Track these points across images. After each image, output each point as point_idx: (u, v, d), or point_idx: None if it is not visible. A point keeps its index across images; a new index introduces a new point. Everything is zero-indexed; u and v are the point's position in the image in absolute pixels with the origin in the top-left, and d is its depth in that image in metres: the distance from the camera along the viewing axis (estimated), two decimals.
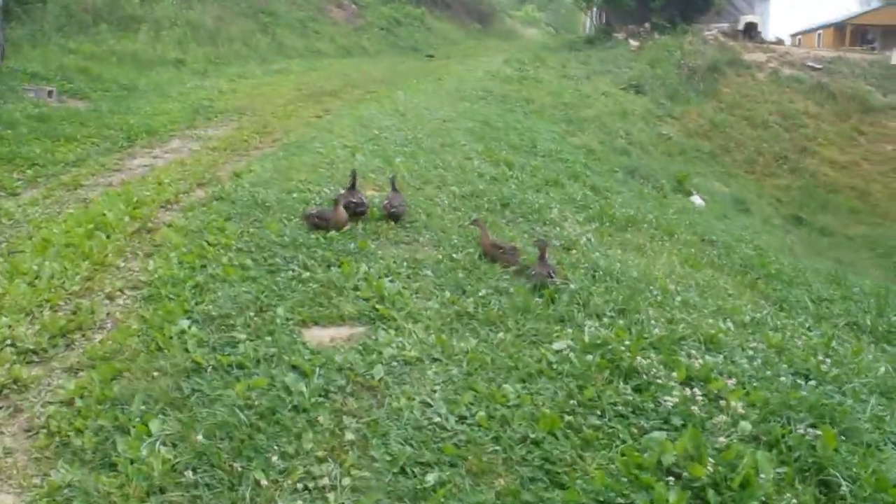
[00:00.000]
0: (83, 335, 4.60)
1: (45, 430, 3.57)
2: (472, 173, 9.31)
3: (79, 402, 3.76)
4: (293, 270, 5.42)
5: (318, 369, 4.01)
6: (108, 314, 4.89)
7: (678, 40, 24.87)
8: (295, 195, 7.30)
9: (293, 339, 4.38)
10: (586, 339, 4.70)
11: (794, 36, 47.47)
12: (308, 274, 5.32)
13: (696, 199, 14.90)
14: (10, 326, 4.57)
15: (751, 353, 4.96)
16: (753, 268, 8.90)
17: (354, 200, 6.57)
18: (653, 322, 5.30)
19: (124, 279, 5.41)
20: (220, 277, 5.27)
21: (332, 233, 6.16)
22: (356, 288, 5.17)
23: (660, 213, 10.35)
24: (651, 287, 6.29)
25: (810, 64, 25.09)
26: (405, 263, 5.76)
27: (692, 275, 7.48)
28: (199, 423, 3.53)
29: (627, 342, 4.61)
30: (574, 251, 6.89)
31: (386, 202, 6.83)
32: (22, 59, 14.96)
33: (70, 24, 17.80)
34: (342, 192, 6.77)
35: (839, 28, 46.15)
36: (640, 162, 15.15)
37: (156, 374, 3.99)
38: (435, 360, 4.30)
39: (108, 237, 6.20)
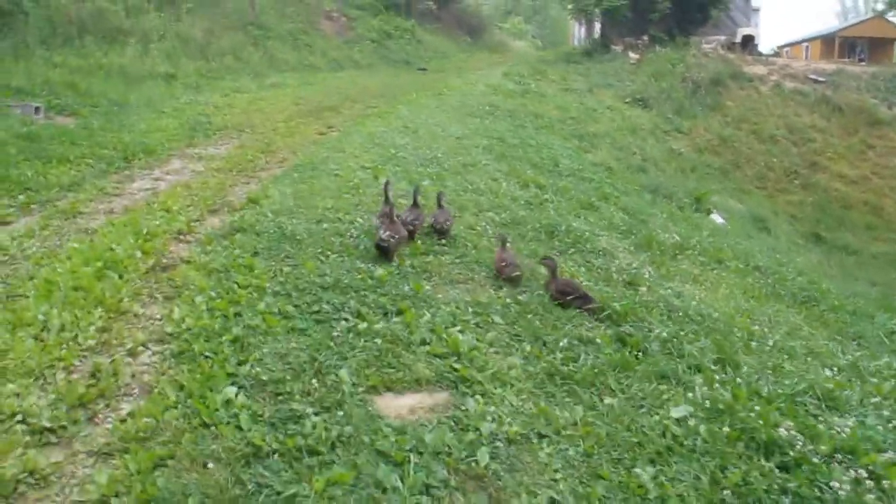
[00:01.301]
0: (107, 405, 3.81)
1: None
2: (504, 197, 8.61)
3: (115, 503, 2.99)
4: (346, 320, 4.66)
5: (410, 456, 3.25)
6: (133, 376, 4.10)
7: (681, 53, 24.38)
8: (325, 226, 6.54)
9: (368, 413, 3.62)
10: (704, 401, 4.01)
11: (781, 48, 47.51)
12: (365, 325, 4.56)
13: (717, 218, 14.30)
14: (18, 395, 3.78)
15: (885, 413, 4.27)
16: (815, 299, 8.24)
17: (413, 217, 6.33)
18: (757, 374, 4.62)
19: (146, 330, 4.63)
20: (262, 329, 4.51)
21: (380, 271, 5.40)
22: (424, 342, 4.42)
23: (700, 238, 9.69)
24: (735, 329, 5.61)
25: (813, 77, 24.71)
26: (470, 309, 5.02)
27: (761, 310, 6.81)
28: None
29: (757, 408, 3.91)
30: (641, 287, 6.18)
31: (432, 219, 6.54)
32: (5, 73, 14.05)
33: (54, 36, 16.90)
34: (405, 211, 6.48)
35: (827, 40, 46.21)
36: (659, 180, 14.53)
37: (207, 462, 3.22)
38: (543, 436, 3.56)
39: (120, 277, 5.41)
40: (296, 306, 4.85)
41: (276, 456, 3.27)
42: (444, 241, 6.40)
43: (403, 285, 5.26)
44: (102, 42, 17.93)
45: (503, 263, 5.77)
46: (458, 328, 4.63)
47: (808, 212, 17.94)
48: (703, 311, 5.88)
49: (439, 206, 6.64)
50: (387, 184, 6.50)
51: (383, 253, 5.76)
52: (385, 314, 4.78)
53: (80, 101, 13.67)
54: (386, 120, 14.18)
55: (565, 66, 26.65)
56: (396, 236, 5.79)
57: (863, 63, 36.53)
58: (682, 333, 5.14)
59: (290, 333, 4.47)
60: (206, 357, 4.18)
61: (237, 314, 4.72)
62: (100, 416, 3.72)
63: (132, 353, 4.34)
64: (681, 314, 5.63)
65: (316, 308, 4.82)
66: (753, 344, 5.29)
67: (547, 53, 37.33)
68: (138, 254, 5.93)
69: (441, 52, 34.68)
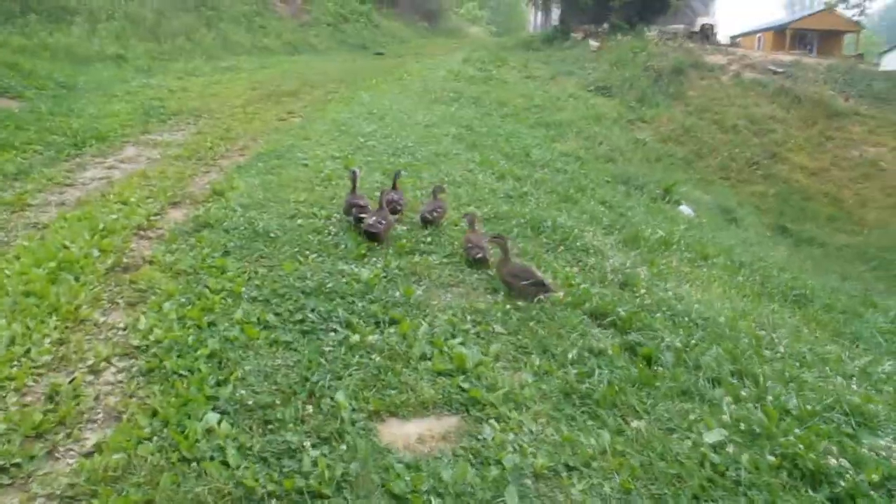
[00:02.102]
0: (68, 434, 3.30)
1: None
2: (482, 189, 8.21)
3: None
4: (335, 331, 4.20)
5: (430, 499, 2.83)
6: (96, 398, 3.59)
7: (643, 41, 24.19)
8: (300, 222, 6.05)
9: (374, 445, 3.18)
10: (737, 423, 3.66)
11: (734, 38, 47.83)
12: (357, 337, 4.11)
13: (685, 209, 14.08)
14: None
15: None
16: (806, 297, 8.01)
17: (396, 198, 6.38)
18: (779, 387, 4.30)
19: (109, 342, 4.11)
20: (241, 342, 4.03)
21: (367, 274, 4.95)
22: (425, 357, 3.99)
23: (681, 232, 9.41)
24: (741, 334, 5.31)
25: (771, 67, 24.76)
26: (469, 317, 4.60)
27: (758, 311, 6.53)
28: None
29: (796, 430, 3.58)
30: (639, 289, 5.82)
31: (424, 209, 6.45)
32: None
33: None
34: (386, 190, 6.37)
35: (780, 32, 46.70)
36: (628, 170, 14.26)
37: None
38: (572, 468, 3.17)
39: (77, 280, 4.87)
40: (277, 314, 4.38)
41: (272, 501, 2.82)
42: (429, 239, 5.98)
43: (393, 290, 4.81)
44: (47, 21, 17.04)
45: (469, 245, 5.59)
46: (460, 340, 4.21)
47: (771, 203, 17.90)
48: (705, 314, 5.56)
49: (434, 196, 6.54)
50: (354, 172, 6.39)
51: (372, 238, 5.69)
52: (377, 324, 4.34)
53: (25, 82, 12.85)
54: (349, 106, 13.68)
55: (525, 53, 26.29)
56: (384, 221, 5.74)
57: (811, 55, 36.98)
58: (692, 342, 4.79)
59: (274, 347, 4.00)
60: (181, 376, 3.70)
61: (211, 324, 4.24)
62: (60, 448, 3.22)
63: (94, 371, 3.84)
64: (685, 319, 5.30)
65: (300, 317, 4.35)
66: (766, 352, 4.96)
67: (505, 40, 36.94)
68: (96, 252, 5.39)
69: (398, 37, 34.11)
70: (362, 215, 5.94)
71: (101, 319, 4.40)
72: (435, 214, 6.36)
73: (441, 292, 4.99)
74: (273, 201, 6.64)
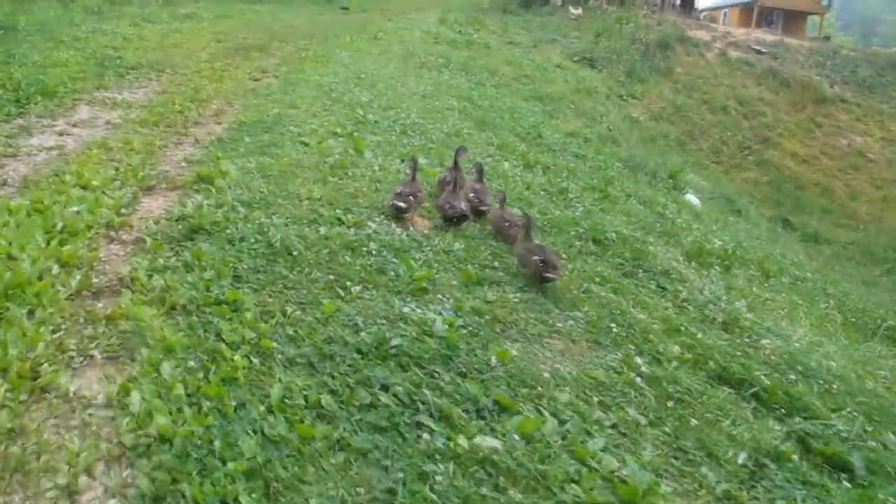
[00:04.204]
0: None
1: None
2: (516, 182, 6.94)
3: None
4: (426, 428, 2.90)
5: None
6: None
7: (630, 12, 22.97)
8: (323, 231, 4.68)
9: None
10: None
11: (700, 12, 47.04)
12: (463, 441, 2.81)
13: (692, 199, 13.01)
14: None
15: None
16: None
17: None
18: None
19: (87, 434, 2.76)
20: (290, 446, 2.71)
21: (438, 322, 3.64)
22: (569, 477, 2.72)
23: (727, 237, 8.30)
24: (891, 403, 4.19)
25: (755, 47, 23.86)
26: (595, 398, 3.34)
27: (866, 354, 5.45)
28: None
29: None
30: (740, 330, 4.67)
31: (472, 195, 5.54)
32: None
33: None
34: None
35: (746, 8, 46.07)
36: (633, 153, 13.12)
37: None
38: None
39: (31, 314, 3.48)
40: (332, 392, 3.05)
41: None
42: (491, 259, 4.71)
43: (478, 349, 3.52)
44: None
45: (506, 223, 5.14)
46: (601, 441, 2.95)
47: (766, 191, 17.06)
48: (835, 370, 4.43)
49: (479, 177, 5.77)
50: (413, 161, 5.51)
51: (453, 223, 5.17)
52: (480, 413, 3.05)
53: None
54: (329, 66, 12.18)
55: (503, 16, 24.78)
56: (464, 205, 5.23)
57: (775, 33, 36.33)
58: (858, 423, 3.65)
59: (342, 457, 2.69)
60: None
61: (240, 407, 2.90)
62: None
63: (70, 493, 2.49)
64: (826, 384, 4.15)
65: (366, 398, 3.02)
66: None
67: (480, 0, 35.32)
68: (54, 267, 3.98)
69: None
70: (482, 208, 5.43)
71: (71, 388, 3.02)
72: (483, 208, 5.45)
73: (539, 350, 3.72)
74: (280, 197, 5.24)
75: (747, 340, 4.56)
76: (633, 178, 10.40)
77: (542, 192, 6.79)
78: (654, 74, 20.16)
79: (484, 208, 5.44)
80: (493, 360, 3.41)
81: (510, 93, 14.01)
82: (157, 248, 4.35)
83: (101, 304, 3.71)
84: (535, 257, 4.45)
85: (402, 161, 6.67)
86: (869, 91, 22.51)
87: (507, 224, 5.09)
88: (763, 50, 23.74)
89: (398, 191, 5.20)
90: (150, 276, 3.97)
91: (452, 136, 8.35)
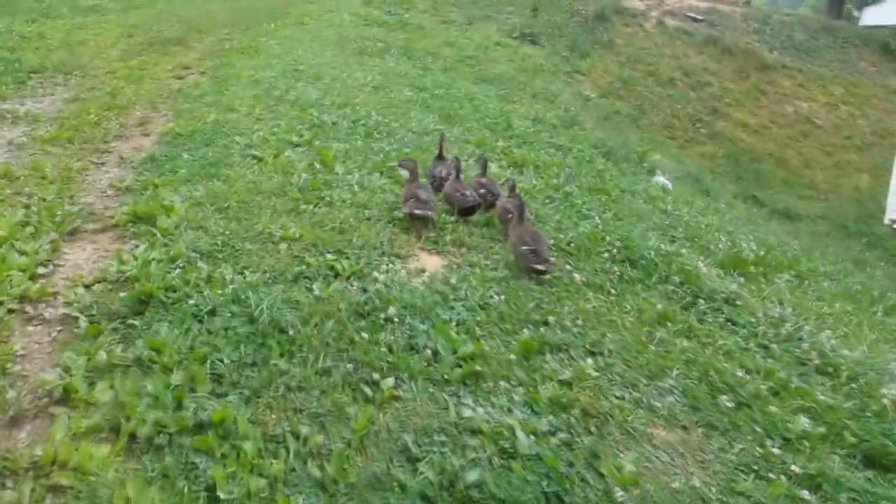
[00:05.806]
0: None
1: None
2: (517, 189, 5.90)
3: None
4: None
5: None
6: None
7: None
8: (318, 289, 3.55)
9: None
10: None
11: None
12: None
13: (662, 179, 12.15)
14: None
15: None
16: None
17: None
18: None
19: None
20: None
21: (520, 433, 2.57)
22: None
23: (750, 234, 7.43)
24: None
25: (691, 15, 23.23)
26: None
27: None
28: None
29: None
30: (833, 370, 3.75)
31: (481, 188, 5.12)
32: None
33: None
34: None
35: None
36: (602, 138, 12.18)
37: None
38: None
39: None
40: None
41: None
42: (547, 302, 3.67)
43: (584, 471, 2.47)
44: None
45: (510, 215, 4.68)
46: None
47: (724, 165, 16.37)
48: None
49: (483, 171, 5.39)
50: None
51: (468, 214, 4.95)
52: None
53: None
54: (259, 59, 10.92)
55: None
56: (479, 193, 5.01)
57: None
58: None
59: None
60: None
61: None
62: None
63: None
64: None
65: None
66: None
67: None
68: None
69: None
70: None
71: None
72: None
73: (653, 453, 2.69)
74: (248, 240, 4.08)
75: (856, 388, 3.64)
76: (612, 165, 9.46)
77: (547, 201, 5.76)
78: (597, 48, 19.26)
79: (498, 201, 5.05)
80: (615, 489, 2.36)
81: (459, 77, 12.92)
82: (96, 333, 3.17)
83: (22, 438, 2.55)
84: (525, 247, 4.17)
85: (381, 174, 5.56)
86: (807, 55, 22.14)
87: (510, 215, 4.66)
88: (699, 17, 23.14)
89: (419, 196, 4.46)
90: (92, 385, 2.81)
91: (423, 135, 7.25)
